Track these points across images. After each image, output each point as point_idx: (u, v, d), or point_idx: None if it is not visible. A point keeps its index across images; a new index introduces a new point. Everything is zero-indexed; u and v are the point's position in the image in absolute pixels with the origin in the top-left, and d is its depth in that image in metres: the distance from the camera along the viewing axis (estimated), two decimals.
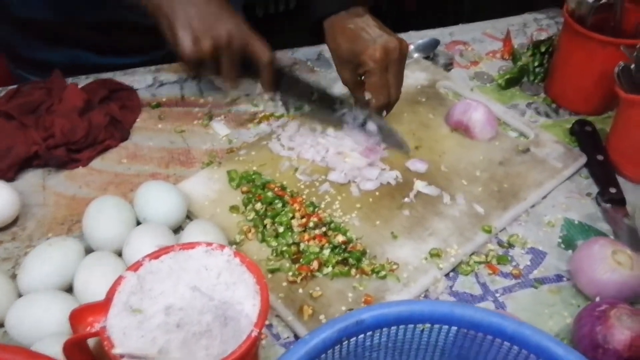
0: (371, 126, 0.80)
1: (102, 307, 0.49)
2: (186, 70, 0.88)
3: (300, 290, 0.64)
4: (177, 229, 0.70)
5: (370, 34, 0.75)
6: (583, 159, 0.81)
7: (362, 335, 0.46)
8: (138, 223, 0.68)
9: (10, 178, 0.75)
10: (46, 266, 0.62)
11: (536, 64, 0.97)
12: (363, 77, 0.78)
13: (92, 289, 0.59)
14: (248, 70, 0.78)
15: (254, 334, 0.47)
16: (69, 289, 0.62)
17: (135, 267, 0.52)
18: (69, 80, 0.87)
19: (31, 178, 0.77)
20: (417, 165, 0.79)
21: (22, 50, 0.98)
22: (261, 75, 0.78)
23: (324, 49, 1.00)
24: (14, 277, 0.64)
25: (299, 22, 2.09)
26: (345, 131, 0.82)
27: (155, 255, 0.52)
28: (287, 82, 0.82)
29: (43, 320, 0.57)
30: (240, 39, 0.74)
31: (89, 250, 0.65)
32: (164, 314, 0.47)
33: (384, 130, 0.80)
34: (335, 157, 0.78)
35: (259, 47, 0.76)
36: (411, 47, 1.01)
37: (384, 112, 0.80)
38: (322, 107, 0.82)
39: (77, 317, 0.49)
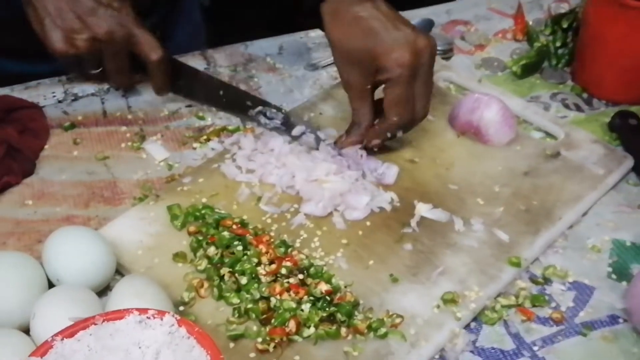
0: (298, 130, 0.81)
1: None
2: (63, 66, 0.89)
3: None
4: (103, 290, 0.67)
5: (390, 27, 0.73)
6: (630, 162, 0.81)
7: None
8: (51, 286, 0.65)
9: None
10: None
11: (558, 44, 0.98)
12: (382, 86, 0.77)
13: None
14: (141, 68, 0.83)
15: None
16: None
17: (42, 350, 0.49)
18: None
19: None
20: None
21: None
22: (151, 76, 0.83)
23: (287, 41, 0.99)
24: None
25: (259, 7, 2.12)
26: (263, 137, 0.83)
27: (70, 332, 0.50)
28: (187, 78, 0.87)
29: None
30: (123, 33, 0.78)
31: None
32: None
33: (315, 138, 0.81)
34: (308, 185, 0.76)
35: (147, 42, 0.80)
36: None
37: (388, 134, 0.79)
38: (231, 108, 0.87)
39: None
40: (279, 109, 0.85)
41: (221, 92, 0.87)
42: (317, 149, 0.80)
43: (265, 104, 0.85)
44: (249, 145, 0.81)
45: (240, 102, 0.85)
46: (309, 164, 0.78)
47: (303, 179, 0.77)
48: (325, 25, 0.77)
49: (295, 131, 0.82)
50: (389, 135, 0.78)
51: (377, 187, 0.77)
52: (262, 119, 0.83)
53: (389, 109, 0.76)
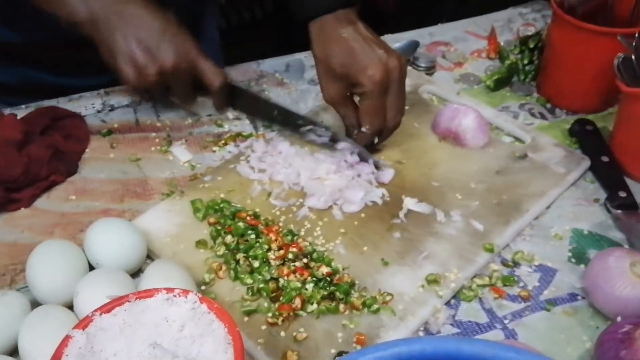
0: (342, 145, 0.79)
1: None
2: (135, 96, 0.87)
3: (283, 334, 0.61)
4: (136, 272, 0.67)
5: (367, 48, 0.73)
6: (587, 162, 0.80)
7: None
8: (91, 269, 0.65)
9: None
10: None
11: (525, 61, 0.97)
12: (357, 98, 0.77)
13: (39, 350, 0.55)
14: (202, 89, 0.81)
15: None
16: (14, 352, 0.59)
17: (84, 324, 0.49)
18: (7, 110, 0.84)
19: None
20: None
21: None
22: (213, 99, 0.82)
23: (292, 59, 0.99)
24: None
25: (268, 31, 2.12)
26: (312, 150, 0.81)
27: (107, 308, 0.50)
28: (245, 100, 0.85)
29: None
30: (187, 63, 0.77)
31: (35, 304, 0.62)
32: None
33: (358, 151, 0.79)
34: (311, 182, 0.76)
35: (209, 71, 0.79)
36: None
37: (375, 139, 0.78)
38: (285, 125, 0.84)
39: None
40: (327, 128, 0.81)
41: (275, 112, 0.84)
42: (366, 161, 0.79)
43: (314, 123, 0.82)
44: (261, 148, 0.81)
45: (292, 121, 0.82)
46: (312, 164, 0.77)
47: (307, 177, 0.76)
48: (312, 43, 0.76)
49: (339, 146, 0.79)
50: (366, 141, 0.78)
51: (371, 184, 0.76)
52: (312, 136, 0.81)
53: (362, 118, 0.76)
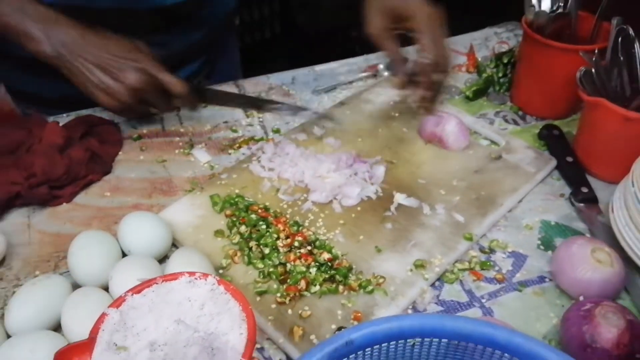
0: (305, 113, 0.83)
1: (86, 346, 0.46)
2: (122, 116, 0.85)
3: (290, 311, 0.60)
4: (162, 259, 0.67)
5: None
6: (553, 162, 0.80)
7: (352, 355, 0.43)
8: (124, 255, 0.65)
9: None
10: (31, 306, 0.58)
11: (500, 74, 0.96)
12: (408, 33, 0.74)
13: (79, 326, 0.55)
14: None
15: None
16: (58, 327, 0.58)
17: (118, 303, 0.48)
18: (50, 118, 0.84)
19: (15, 218, 0.73)
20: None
21: (17, 84, 0.94)
22: (181, 102, 0.80)
23: (297, 73, 0.99)
24: (1, 318, 0.60)
25: (277, 49, 2.12)
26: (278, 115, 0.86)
27: (138, 289, 0.49)
28: (214, 96, 0.85)
29: None
30: (148, 79, 0.74)
31: (76, 286, 0.62)
32: (148, 350, 0.43)
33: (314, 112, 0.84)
34: (314, 180, 0.75)
35: (169, 82, 0.76)
36: (381, 65, 1.00)
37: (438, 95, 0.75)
38: (253, 107, 0.88)
39: (62, 358, 0.46)
40: (284, 103, 0.84)
41: (243, 100, 0.88)
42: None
43: (274, 102, 0.84)
44: (270, 150, 0.80)
45: (258, 104, 0.87)
46: (315, 164, 0.77)
47: (310, 175, 0.76)
48: None
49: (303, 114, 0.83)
50: (429, 76, 0.73)
51: (366, 182, 0.76)
52: (277, 112, 0.83)
53: (424, 50, 0.71)
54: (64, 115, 0.87)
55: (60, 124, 0.79)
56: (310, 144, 0.82)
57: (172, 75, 0.77)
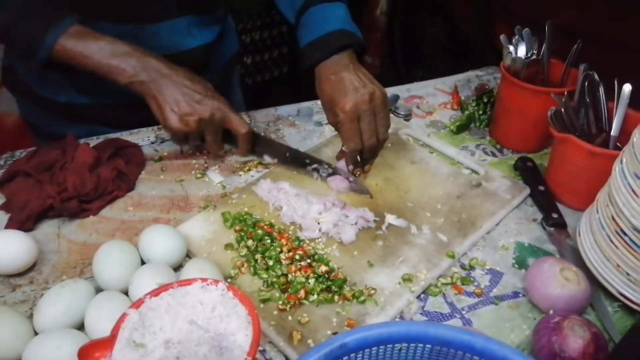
0: (338, 176, 0.78)
1: (108, 343, 0.46)
2: (174, 141, 0.85)
3: (290, 318, 0.60)
4: (177, 267, 0.67)
5: (346, 85, 0.71)
6: (527, 190, 0.80)
7: (346, 358, 0.43)
8: (143, 263, 0.65)
9: (28, 228, 0.71)
10: (59, 306, 0.58)
11: (481, 112, 0.98)
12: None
13: (101, 325, 0.56)
14: (228, 138, 0.81)
15: None
16: (82, 327, 0.58)
17: (137, 304, 0.48)
18: (82, 140, 0.84)
19: (47, 228, 0.73)
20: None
21: (43, 126, 0.95)
22: (239, 144, 0.81)
23: (302, 106, 1.00)
24: (31, 317, 0.60)
25: (284, 85, 2.15)
26: (312, 183, 0.79)
27: (155, 292, 0.49)
28: (263, 145, 0.84)
29: (56, 358, 0.53)
30: (220, 115, 0.77)
31: (99, 290, 0.62)
32: (164, 348, 0.44)
33: (350, 179, 0.79)
34: (306, 221, 0.72)
35: (237, 122, 0.78)
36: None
37: (357, 158, 0.77)
38: (295, 163, 0.82)
39: (85, 353, 0.46)
40: (329, 165, 0.80)
41: (287, 154, 0.83)
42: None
43: (318, 161, 0.80)
44: (266, 186, 0.77)
45: (300, 160, 0.81)
46: (305, 206, 0.73)
47: (300, 216, 0.72)
48: (315, 84, 0.76)
49: (335, 177, 0.78)
50: (351, 160, 0.75)
51: (356, 224, 0.71)
52: (315, 174, 0.80)
53: (342, 140, 0.73)
54: (94, 138, 0.88)
55: (91, 146, 0.80)
56: (307, 180, 0.80)
57: (241, 116, 0.79)
